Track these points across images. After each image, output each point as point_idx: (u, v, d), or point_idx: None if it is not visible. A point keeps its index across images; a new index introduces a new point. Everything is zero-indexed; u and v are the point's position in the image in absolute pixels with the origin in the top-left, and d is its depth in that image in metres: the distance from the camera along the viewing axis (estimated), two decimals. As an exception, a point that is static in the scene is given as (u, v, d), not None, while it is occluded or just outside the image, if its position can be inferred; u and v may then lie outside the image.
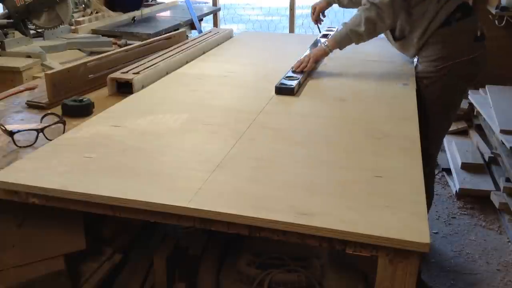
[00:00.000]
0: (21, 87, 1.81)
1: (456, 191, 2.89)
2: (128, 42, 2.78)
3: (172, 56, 2.05)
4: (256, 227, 0.97)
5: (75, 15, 3.23)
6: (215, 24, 4.69)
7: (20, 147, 1.28)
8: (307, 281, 1.36)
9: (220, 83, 1.82)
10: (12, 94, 1.74)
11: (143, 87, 1.75)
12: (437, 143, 2.13)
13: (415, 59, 2.11)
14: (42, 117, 1.45)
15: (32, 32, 2.75)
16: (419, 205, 0.98)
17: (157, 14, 3.89)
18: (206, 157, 1.19)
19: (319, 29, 2.50)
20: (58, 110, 1.55)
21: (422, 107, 1.85)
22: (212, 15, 4.56)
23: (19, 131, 1.33)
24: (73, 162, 1.16)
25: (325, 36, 2.36)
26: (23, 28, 2.62)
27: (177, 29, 3.19)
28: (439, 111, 1.98)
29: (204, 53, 2.29)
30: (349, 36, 1.89)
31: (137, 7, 3.72)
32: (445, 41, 1.89)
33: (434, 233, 2.52)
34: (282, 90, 1.69)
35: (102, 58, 1.91)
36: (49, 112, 1.50)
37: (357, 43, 1.91)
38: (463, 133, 3.48)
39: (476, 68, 1.94)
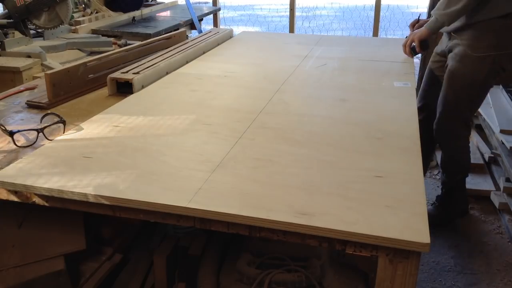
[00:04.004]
0: (21, 87, 1.81)
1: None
2: (128, 42, 2.79)
3: (172, 56, 2.05)
4: (256, 227, 0.97)
5: (75, 15, 3.23)
6: (215, 24, 4.69)
7: (20, 147, 1.28)
8: (307, 281, 1.36)
9: (220, 83, 1.83)
10: (12, 94, 1.74)
11: (143, 87, 1.75)
12: (472, 112, 2.32)
13: (446, 38, 2.24)
14: (42, 117, 1.46)
15: (32, 32, 2.75)
16: (419, 205, 0.98)
17: (157, 14, 3.90)
18: (206, 157, 1.19)
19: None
20: (58, 110, 1.55)
21: (451, 85, 2.15)
22: (212, 15, 4.56)
23: (19, 131, 1.33)
24: (73, 162, 1.16)
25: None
26: (23, 28, 2.62)
27: (177, 29, 3.19)
28: (475, 93, 2.17)
29: (204, 53, 2.29)
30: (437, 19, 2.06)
31: (137, 7, 3.72)
32: (497, 31, 2.02)
33: (433, 233, 2.52)
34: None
35: (102, 58, 1.91)
36: (49, 112, 1.51)
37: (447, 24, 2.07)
38: (463, 133, 3.47)
39: None
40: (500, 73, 2.13)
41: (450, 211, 2.51)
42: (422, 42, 2.16)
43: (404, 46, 2.22)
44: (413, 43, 2.18)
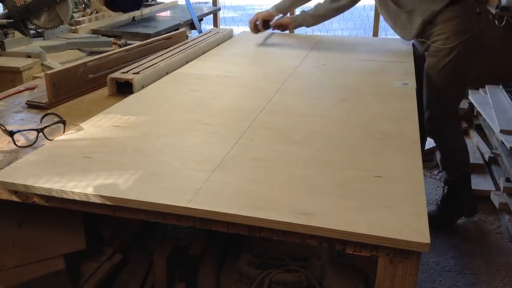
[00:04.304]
0: (21, 87, 1.81)
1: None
2: (128, 42, 2.79)
3: (172, 56, 2.05)
4: (256, 227, 0.97)
5: (75, 15, 3.23)
6: (215, 24, 4.69)
7: (20, 147, 1.28)
8: (307, 281, 1.36)
9: (220, 83, 1.82)
10: (12, 94, 1.74)
11: (143, 87, 1.75)
12: (459, 102, 2.38)
13: (419, 45, 2.26)
14: (42, 117, 1.46)
15: (32, 32, 2.75)
16: (419, 205, 0.98)
17: (157, 14, 3.90)
18: (206, 157, 1.19)
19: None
20: (58, 110, 1.55)
21: (433, 80, 2.16)
22: (212, 15, 4.56)
23: (19, 131, 1.33)
24: (73, 162, 1.16)
25: None
26: (23, 28, 2.62)
27: (177, 29, 3.19)
28: (457, 82, 2.20)
29: (204, 53, 2.29)
30: None
31: (137, 7, 3.72)
32: (457, 17, 2.06)
33: (434, 233, 2.52)
34: None
35: (102, 58, 1.91)
36: (49, 112, 1.51)
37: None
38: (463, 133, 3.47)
39: (484, 39, 2.16)
40: (479, 53, 2.17)
41: (452, 211, 2.49)
42: (265, 22, 2.51)
43: (250, 23, 2.53)
44: (257, 21, 2.50)
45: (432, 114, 2.29)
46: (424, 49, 2.22)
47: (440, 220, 2.48)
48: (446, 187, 2.50)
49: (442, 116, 2.28)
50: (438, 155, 3.32)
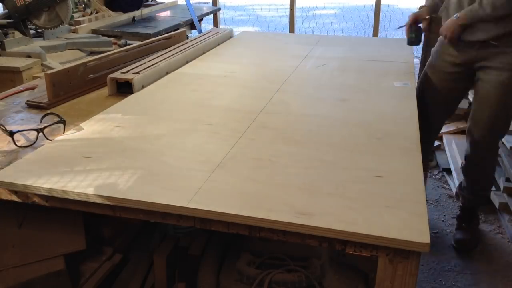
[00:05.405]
0: (21, 87, 1.81)
1: (456, 191, 2.88)
2: (128, 42, 2.79)
3: (172, 56, 2.05)
4: (256, 227, 0.97)
5: (75, 15, 3.24)
6: (215, 24, 4.69)
7: (20, 147, 1.28)
8: (307, 281, 1.36)
9: (220, 83, 1.83)
10: (12, 94, 1.74)
11: (143, 87, 1.75)
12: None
13: (469, 48, 2.00)
14: (42, 117, 1.46)
15: (32, 32, 2.76)
16: (419, 205, 0.98)
17: (157, 14, 3.90)
18: (206, 157, 1.19)
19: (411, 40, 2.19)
20: (58, 110, 1.55)
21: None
22: (212, 15, 4.56)
23: (19, 131, 1.33)
24: (73, 162, 1.16)
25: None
26: (23, 28, 2.62)
27: (177, 29, 3.19)
28: None
29: (204, 53, 2.30)
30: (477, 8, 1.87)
31: (137, 7, 3.72)
32: None
33: (434, 233, 2.52)
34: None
35: (102, 58, 1.91)
36: (49, 112, 1.51)
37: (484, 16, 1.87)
38: (463, 133, 3.47)
39: None
40: None
41: (478, 232, 2.45)
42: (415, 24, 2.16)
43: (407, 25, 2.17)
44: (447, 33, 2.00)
45: (489, 137, 2.13)
46: (482, 56, 1.98)
47: (473, 243, 2.40)
48: (462, 205, 2.44)
49: (498, 138, 2.16)
50: (439, 156, 3.32)
